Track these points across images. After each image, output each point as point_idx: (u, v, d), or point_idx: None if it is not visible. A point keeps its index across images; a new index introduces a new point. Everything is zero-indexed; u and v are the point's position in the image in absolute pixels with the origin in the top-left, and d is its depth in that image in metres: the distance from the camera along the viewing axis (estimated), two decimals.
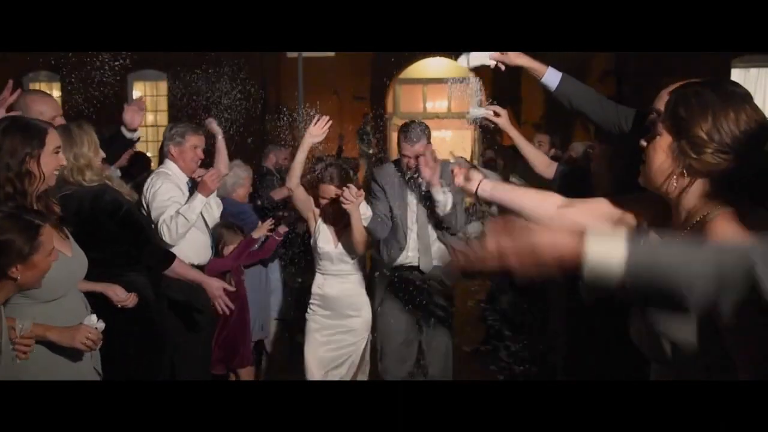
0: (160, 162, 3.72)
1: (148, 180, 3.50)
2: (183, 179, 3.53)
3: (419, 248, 3.55)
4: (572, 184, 3.01)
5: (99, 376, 2.27)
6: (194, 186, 3.57)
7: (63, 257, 2.12)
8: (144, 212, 3.38)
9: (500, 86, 11.77)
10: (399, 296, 3.62)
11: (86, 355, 2.19)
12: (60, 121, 2.87)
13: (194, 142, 3.52)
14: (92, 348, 2.07)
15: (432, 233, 3.57)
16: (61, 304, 2.11)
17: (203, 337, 3.48)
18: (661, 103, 2.32)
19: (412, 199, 3.57)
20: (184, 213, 3.24)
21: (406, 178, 3.53)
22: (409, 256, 3.61)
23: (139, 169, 4.85)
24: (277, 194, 4.85)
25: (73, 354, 2.12)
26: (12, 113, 2.52)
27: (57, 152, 2.15)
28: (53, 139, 2.14)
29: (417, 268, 3.62)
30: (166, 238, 3.24)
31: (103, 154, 2.86)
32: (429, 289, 3.60)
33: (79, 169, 2.71)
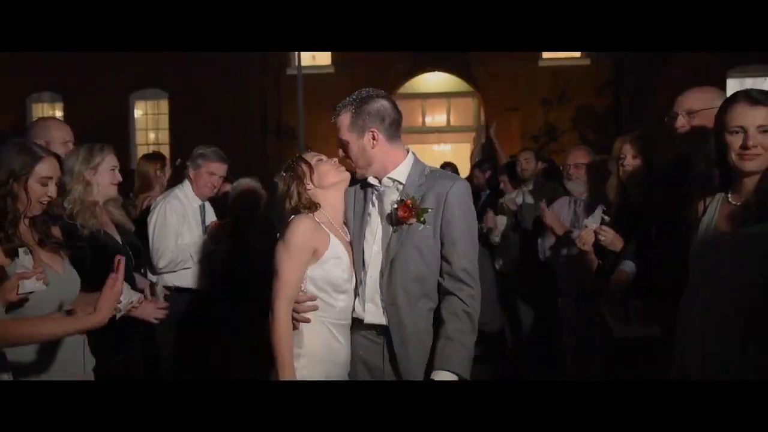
0: (180, 179, 3.77)
1: (157, 207, 3.50)
2: (195, 202, 3.56)
3: (366, 293, 2.18)
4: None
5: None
6: (204, 208, 3.59)
7: (54, 274, 2.15)
8: (151, 226, 3.44)
9: (500, 99, 11.90)
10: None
11: (79, 363, 2.22)
12: (70, 146, 2.90)
13: (212, 168, 3.53)
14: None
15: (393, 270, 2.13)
16: None
17: (198, 337, 3.46)
18: (690, 102, 2.38)
19: (373, 225, 2.21)
20: (181, 258, 3.42)
21: (370, 194, 2.24)
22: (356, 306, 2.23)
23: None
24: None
25: (67, 363, 2.17)
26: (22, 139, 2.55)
27: (45, 184, 2.13)
28: (45, 168, 2.13)
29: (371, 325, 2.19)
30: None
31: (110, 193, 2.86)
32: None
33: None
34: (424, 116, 12.69)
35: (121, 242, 2.84)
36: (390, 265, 2.12)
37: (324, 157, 2.23)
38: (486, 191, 5.42)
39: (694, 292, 1.91)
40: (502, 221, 4.65)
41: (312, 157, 2.23)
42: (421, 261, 2.11)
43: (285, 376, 2.05)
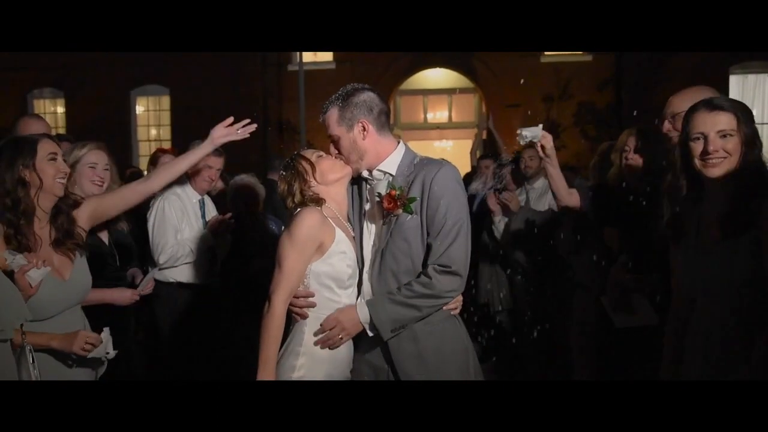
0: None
1: (155, 203, 3.50)
2: (193, 197, 3.56)
3: (364, 290, 2.17)
4: (602, 206, 3.00)
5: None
6: (204, 203, 3.60)
7: (55, 281, 2.13)
8: (150, 222, 3.44)
9: (501, 95, 11.88)
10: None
11: (89, 371, 2.24)
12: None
13: (208, 162, 3.50)
14: (89, 353, 2.11)
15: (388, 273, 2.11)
16: (51, 325, 2.13)
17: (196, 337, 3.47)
18: (674, 105, 2.40)
19: (369, 220, 2.19)
20: (182, 253, 3.39)
21: (364, 188, 2.24)
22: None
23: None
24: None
25: (81, 369, 2.19)
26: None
27: (53, 159, 2.13)
28: (46, 147, 2.14)
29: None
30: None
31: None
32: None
33: None
34: (425, 112, 12.67)
35: (107, 242, 2.85)
36: (380, 257, 2.09)
37: (323, 153, 2.19)
38: (489, 186, 5.41)
39: (685, 301, 1.91)
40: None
41: (312, 154, 2.18)
42: (410, 252, 2.07)
43: (266, 371, 2.00)
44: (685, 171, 1.91)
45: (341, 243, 2.10)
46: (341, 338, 2.06)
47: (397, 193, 2.04)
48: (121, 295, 2.70)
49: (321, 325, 2.07)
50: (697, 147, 1.83)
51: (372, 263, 2.12)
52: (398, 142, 2.17)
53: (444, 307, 2.11)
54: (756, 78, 11.20)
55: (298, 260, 2.05)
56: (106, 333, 2.15)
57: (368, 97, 2.11)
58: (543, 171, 4.70)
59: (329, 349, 2.09)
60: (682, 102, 2.37)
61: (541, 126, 2.68)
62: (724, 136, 1.80)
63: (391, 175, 2.12)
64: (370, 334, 2.06)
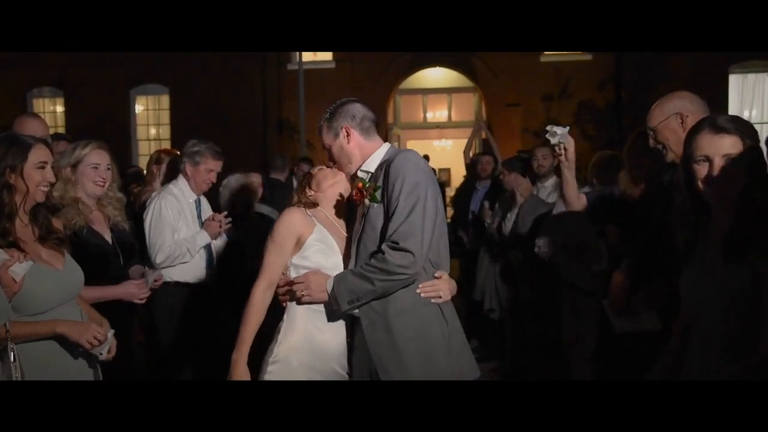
0: (174, 175, 3.75)
1: (152, 203, 3.50)
2: (190, 197, 3.56)
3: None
4: (603, 214, 3.00)
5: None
6: (200, 202, 3.60)
7: (51, 271, 2.14)
8: (147, 222, 3.43)
9: (501, 94, 11.89)
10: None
11: (89, 371, 2.23)
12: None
13: (210, 165, 3.52)
14: (93, 347, 2.11)
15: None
16: (52, 317, 2.11)
17: (193, 338, 3.49)
18: (649, 120, 2.39)
19: (360, 217, 2.28)
20: (179, 253, 3.37)
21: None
22: None
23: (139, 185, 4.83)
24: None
25: (79, 367, 2.18)
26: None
27: (42, 167, 2.13)
28: (38, 154, 2.13)
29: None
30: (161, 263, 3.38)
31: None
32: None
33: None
34: (425, 112, 12.68)
35: (111, 241, 2.84)
36: (356, 248, 2.21)
37: (324, 167, 2.44)
38: (488, 183, 5.42)
39: (688, 321, 1.89)
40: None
41: (315, 169, 2.49)
42: (377, 240, 2.14)
43: (239, 351, 2.21)
44: (689, 193, 1.84)
45: (320, 235, 2.28)
46: (302, 296, 2.21)
47: (364, 184, 2.18)
48: (126, 290, 2.68)
49: (294, 277, 2.25)
50: (702, 170, 1.77)
51: (354, 257, 2.23)
52: (384, 143, 2.29)
53: (423, 294, 2.12)
54: (755, 77, 11.21)
55: (277, 254, 2.27)
56: (110, 334, 2.18)
57: (352, 106, 2.28)
58: (555, 170, 4.69)
59: (296, 303, 2.25)
60: (655, 116, 2.38)
61: (567, 128, 2.70)
62: (731, 159, 1.73)
63: (372, 174, 2.24)
64: (332, 305, 2.16)
